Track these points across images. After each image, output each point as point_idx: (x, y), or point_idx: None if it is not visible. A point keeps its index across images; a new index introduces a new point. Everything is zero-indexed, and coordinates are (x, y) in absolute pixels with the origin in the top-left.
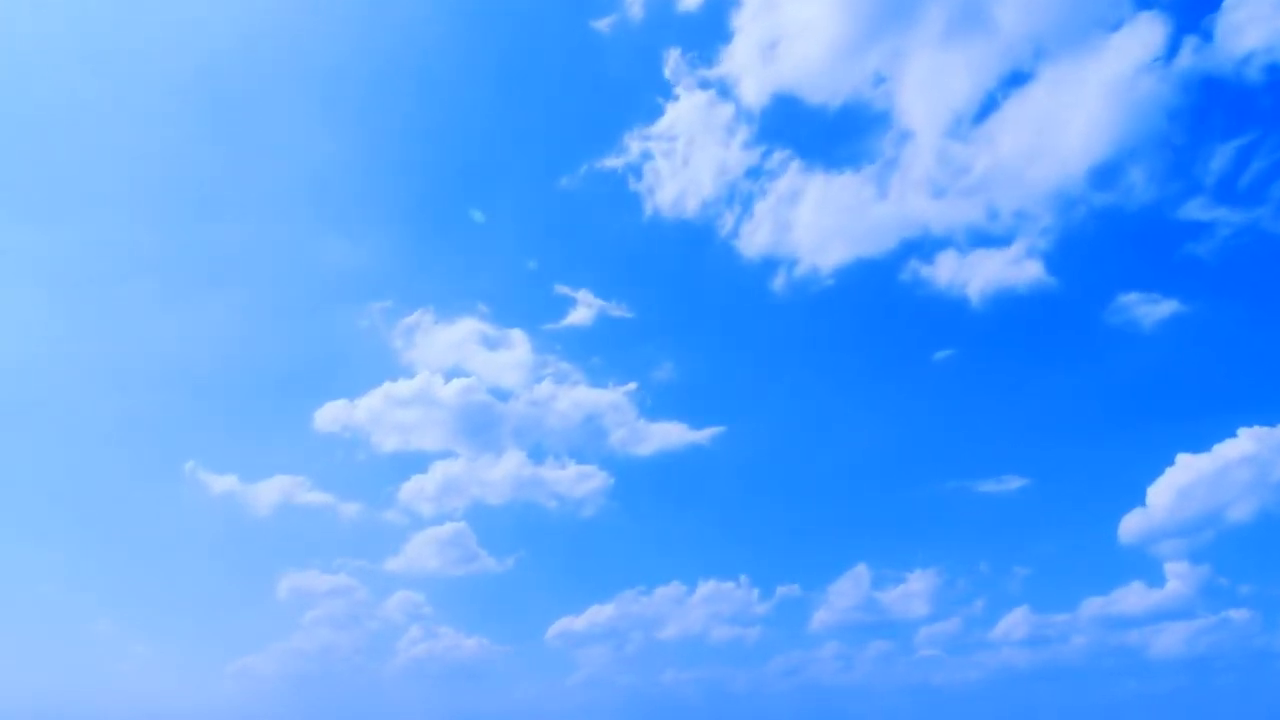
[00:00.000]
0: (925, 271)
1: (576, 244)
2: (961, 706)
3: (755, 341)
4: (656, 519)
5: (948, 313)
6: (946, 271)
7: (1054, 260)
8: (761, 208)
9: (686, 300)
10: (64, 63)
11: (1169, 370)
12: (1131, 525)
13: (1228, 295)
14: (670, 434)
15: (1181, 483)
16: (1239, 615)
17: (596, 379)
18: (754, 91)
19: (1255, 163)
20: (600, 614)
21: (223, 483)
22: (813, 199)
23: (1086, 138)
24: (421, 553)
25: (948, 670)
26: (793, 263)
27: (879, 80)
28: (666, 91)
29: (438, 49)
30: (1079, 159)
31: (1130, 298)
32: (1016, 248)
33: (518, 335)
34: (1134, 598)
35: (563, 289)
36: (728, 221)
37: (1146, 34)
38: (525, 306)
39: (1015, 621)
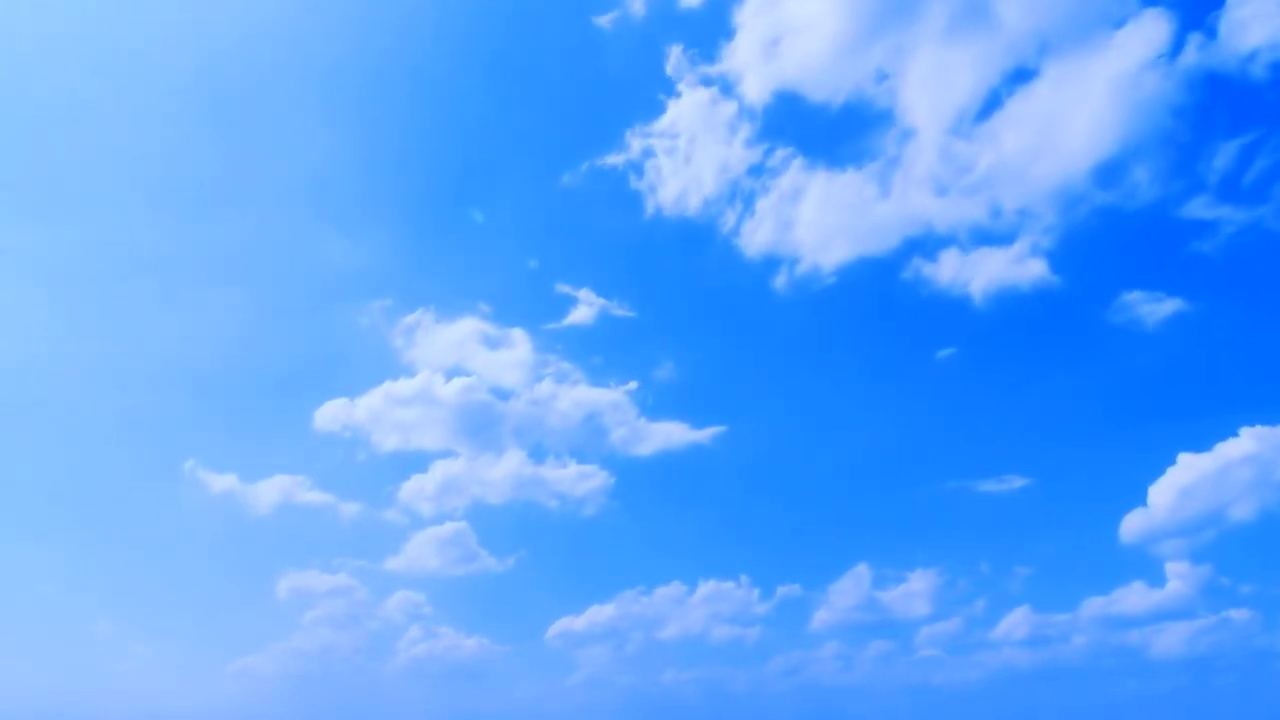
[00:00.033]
0: (928, 270)
1: (577, 242)
2: (962, 706)
3: (757, 340)
4: (657, 519)
5: (950, 311)
6: (949, 270)
7: (1057, 259)
8: (763, 206)
9: (688, 299)
10: (63, 61)
11: (1171, 369)
12: (1133, 525)
13: (1231, 294)
14: (671, 433)
15: (1183, 482)
16: (1240, 615)
17: (597, 378)
18: (756, 88)
19: (1259, 161)
20: (600, 614)
21: (222, 482)
22: (815, 197)
23: (1090, 135)
24: (422, 552)
25: (948, 670)
26: (794, 261)
27: (881, 77)
28: (668, 88)
29: (438, 46)
30: (1082, 157)
31: (1133, 296)
32: (1019, 246)
33: (518, 334)
34: (1135, 598)
35: (564, 288)
36: (729, 220)
37: (1151, 31)
38: (526, 305)
39: (1016, 621)
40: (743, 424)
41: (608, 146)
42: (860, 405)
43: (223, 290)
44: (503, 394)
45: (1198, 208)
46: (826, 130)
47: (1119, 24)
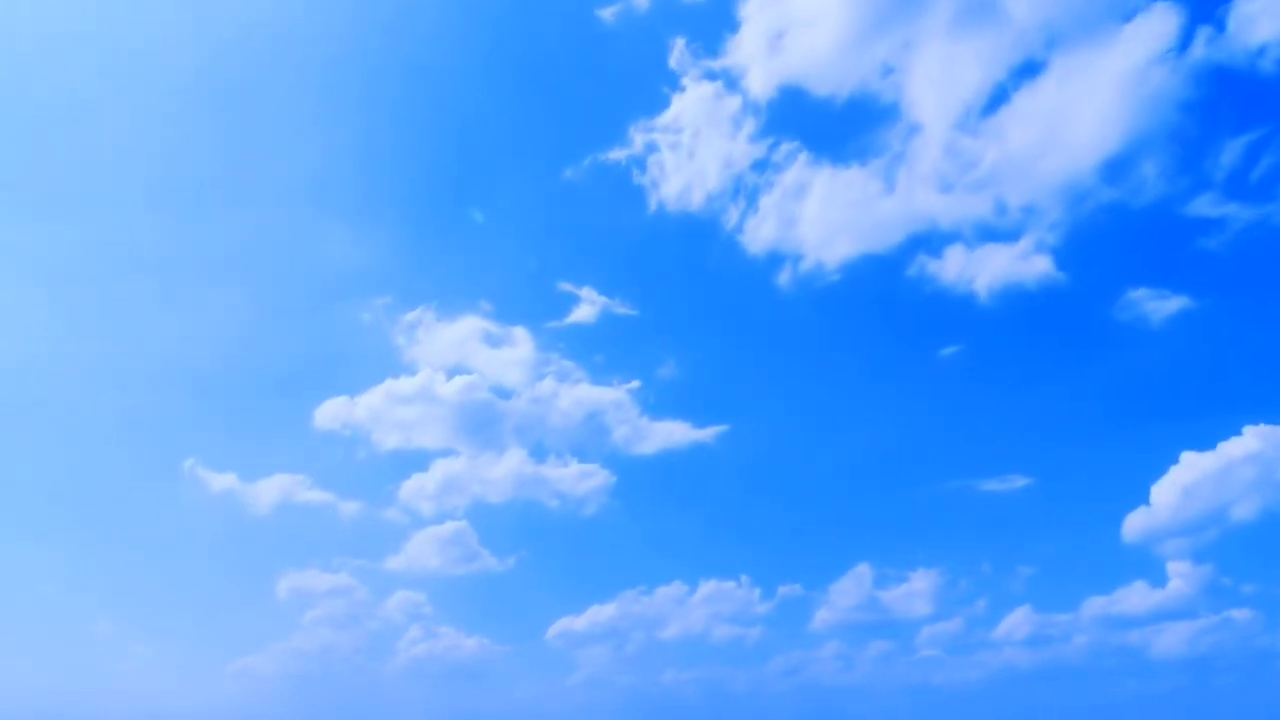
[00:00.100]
0: (932, 267)
1: (580, 240)
2: (962, 707)
3: (759, 338)
4: (658, 518)
5: (955, 308)
6: (954, 266)
7: (1063, 255)
8: (767, 201)
9: (690, 297)
10: (62, 59)
11: (1176, 367)
12: (1135, 524)
13: (1236, 292)
14: (672, 433)
15: (1186, 481)
16: (1241, 615)
17: (599, 377)
18: (761, 83)
19: (1266, 158)
20: (601, 614)
21: (222, 481)
22: (819, 193)
23: (1097, 131)
24: (422, 552)
25: (948, 670)
26: (798, 258)
27: (887, 71)
28: (672, 82)
29: (439, 40)
30: (1089, 152)
31: (1139, 294)
32: (1025, 242)
33: (520, 333)
34: (1136, 597)
35: (566, 286)
36: (733, 216)
37: (1159, 25)
38: (527, 304)
39: (1017, 621)
40: (744, 423)
41: (610, 141)
42: (863, 404)
43: (222, 288)
44: (504, 393)
45: (1204, 205)
46: (831, 125)
47: (1128, 17)
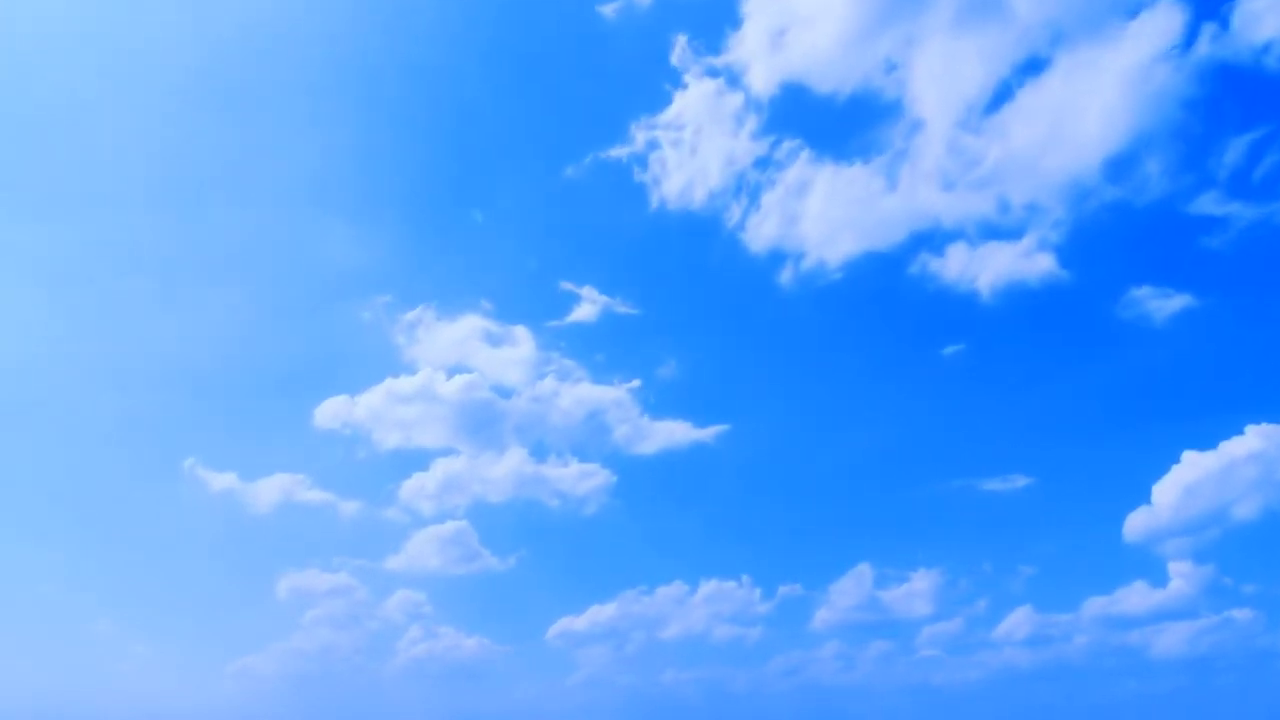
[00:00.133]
0: (935, 265)
1: (580, 239)
2: (962, 707)
3: (760, 337)
4: (659, 518)
5: (957, 307)
6: (956, 265)
7: (1066, 253)
8: (769, 199)
9: (691, 295)
10: (62, 59)
11: (1178, 366)
12: (1136, 524)
13: (1240, 291)
14: (673, 432)
15: (1187, 481)
16: (1242, 615)
17: (600, 376)
18: (763, 80)
19: (1269, 156)
20: (601, 613)
21: (222, 480)
22: (821, 190)
23: (1101, 128)
24: (422, 551)
25: (949, 670)
26: (800, 256)
27: (890, 68)
28: (674, 79)
29: (439, 38)
30: (1093, 150)
31: (1142, 292)
32: (1028, 241)
33: (521, 331)
34: (1137, 597)
35: (567, 285)
36: (734, 213)
37: (1164, 22)
38: (528, 303)
39: (1018, 621)
40: (745, 423)
41: (612, 139)
42: (865, 403)
43: (222, 288)
44: (504, 392)
45: (1208, 203)
46: (834, 123)
47: (1132, 14)
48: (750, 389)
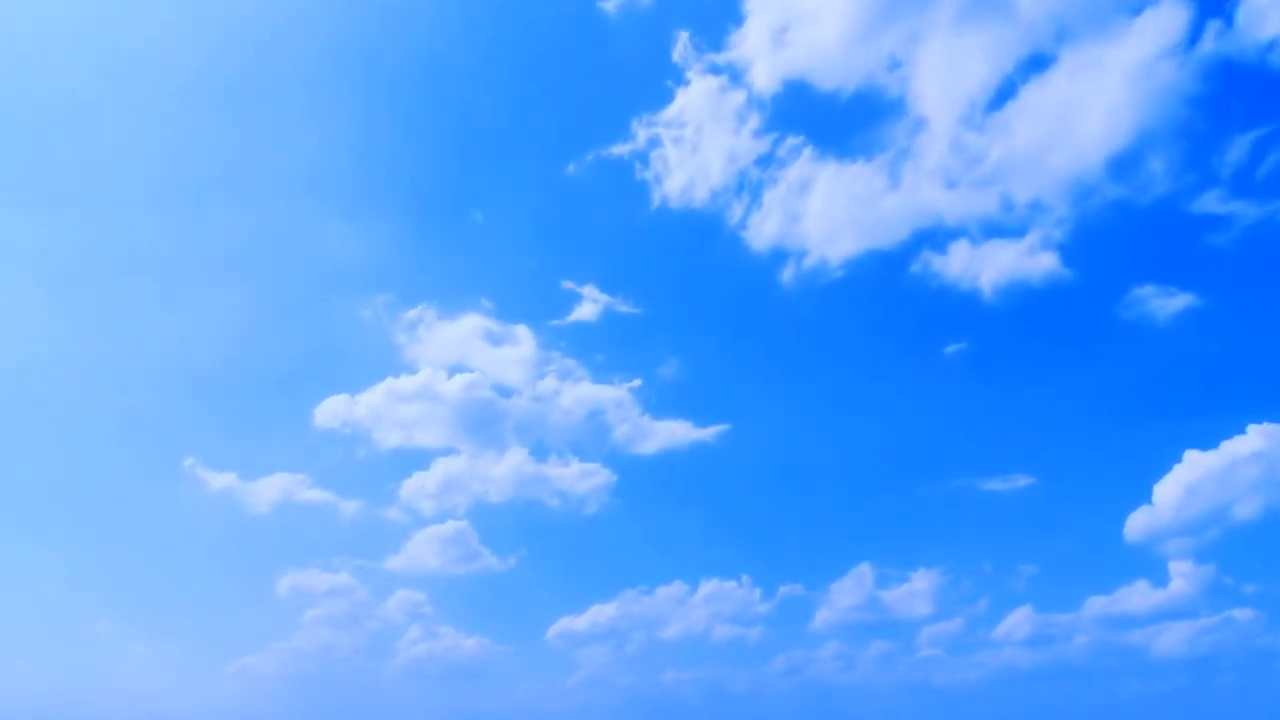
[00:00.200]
0: (937, 263)
1: (582, 237)
2: (962, 706)
3: (762, 336)
4: (659, 518)
5: (959, 305)
6: (959, 263)
7: (1068, 252)
8: (771, 197)
9: (692, 294)
10: (62, 59)
11: (1181, 365)
12: (1138, 523)
13: (1243, 290)
14: (674, 432)
15: (1189, 480)
16: (1242, 615)
17: (600, 375)
18: (765, 77)
19: (1273, 154)
20: (602, 613)
21: (222, 480)
22: (823, 188)
23: (1104, 126)
24: (422, 551)
25: (949, 670)
26: (802, 254)
27: (893, 65)
28: (676, 77)
29: (439, 35)
30: (1096, 148)
31: (1145, 290)
32: (1031, 239)
33: (522, 331)
34: (1137, 597)
35: (567, 284)
36: (736, 211)
37: (1168, 19)
38: (529, 302)
39: (1018, 621)
40: (746, 422)
41: (613, 136)
42: (866, 402)
43: (222, 287)
44: (505, 391)
45: (1211, 201)
46: (836, 120)
47: (1136, 11)
48: (751, 388)
